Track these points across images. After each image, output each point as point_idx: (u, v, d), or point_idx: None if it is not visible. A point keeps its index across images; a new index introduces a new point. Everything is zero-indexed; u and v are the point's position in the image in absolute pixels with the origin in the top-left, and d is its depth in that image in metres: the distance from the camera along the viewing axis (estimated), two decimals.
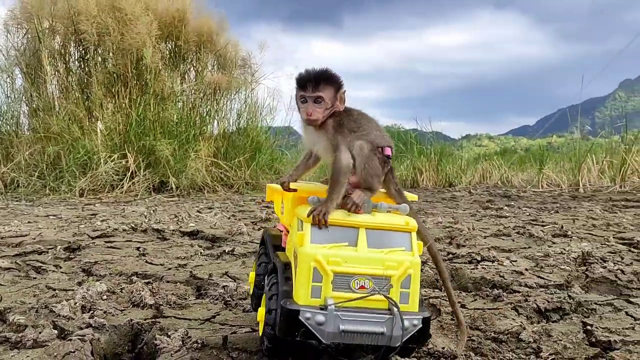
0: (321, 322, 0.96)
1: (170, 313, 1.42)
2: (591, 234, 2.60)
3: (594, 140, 8.14)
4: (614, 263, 1.85)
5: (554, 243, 2.33)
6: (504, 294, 1.50)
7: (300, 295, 0.98)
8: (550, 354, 1.11)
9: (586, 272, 1.73)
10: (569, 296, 1.47)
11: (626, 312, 1.33)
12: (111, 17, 6.21)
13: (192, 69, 7.00)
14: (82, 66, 6.66)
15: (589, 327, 1.20)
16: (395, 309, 0.97)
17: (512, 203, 4.65)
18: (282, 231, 1.29)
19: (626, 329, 1.21)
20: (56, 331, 1.24)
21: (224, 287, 1.64)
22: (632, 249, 2.18)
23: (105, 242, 2.57)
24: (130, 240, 2.62)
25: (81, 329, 1.23)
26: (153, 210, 3.88)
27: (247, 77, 7.10)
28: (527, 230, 2.65)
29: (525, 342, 1.18)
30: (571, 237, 2.47)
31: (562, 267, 1.85)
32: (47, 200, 4.95)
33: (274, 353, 1.06)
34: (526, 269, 1.81)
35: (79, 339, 1.12)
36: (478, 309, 1.39)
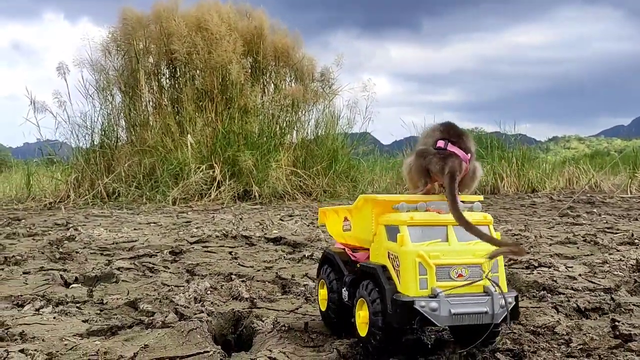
0: (435, 308, 1.11)
1: (262, 305, 1.78)
2: None
3: None
4: None
5: (617, 251, 2.47)
6: (549, 295, 1.73)
7: (409, 288, 1.14)
8: (578, 344, 1.34)
9: (637, 278, 1.91)
10: (612, 298, 1.67)
11: None
12: (199, 36, 6.84)
13: (271, 82, 7.53)
14: (173, 84, 7.37)
15: (616, 323, 1.42)
16: (498, 290, 1.15)
17: (594, 210, 4.67)
18: (343, 248, 1.48)
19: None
20: (177, 316, 1.63)
21: (304, 285, 2.00)
22: None
23: (202, 247, 3.01)
24: (223, 246, 3.05)
25: (196, 314, 1.62)
26: (240, 219, 4.34)
27: (324, 89, 7.52)
28: (595, 238, 2.79)
29: (559, 335, 1.41)
30: (638, 245, 2.60)
31: (616, 273, 2.03)
32: (145, 209, 5.58)
33: (381, 354, 1.22)
34: (580, 275, 2.01)
35: (198, 319, 1.51)
36: (522, 307, 1.64)
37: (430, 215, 1.23)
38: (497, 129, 9.43)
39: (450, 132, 1.33)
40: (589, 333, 1.39)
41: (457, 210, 1.21)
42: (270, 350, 1.32)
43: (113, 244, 3.13)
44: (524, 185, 7.68)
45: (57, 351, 1.38)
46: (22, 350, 1.37)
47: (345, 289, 1.38)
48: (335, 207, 1.57)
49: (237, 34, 6.96)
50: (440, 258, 1.16)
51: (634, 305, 1.61)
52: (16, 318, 1.65)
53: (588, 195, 6.25)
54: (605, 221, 3.69)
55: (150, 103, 7.26)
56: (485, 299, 1.15)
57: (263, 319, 1.58)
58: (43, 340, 1.46)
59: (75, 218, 4.69)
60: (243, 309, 1.72)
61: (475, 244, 1.19)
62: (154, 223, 4.25)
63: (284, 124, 7.39)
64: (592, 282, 1.92)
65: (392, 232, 1.23)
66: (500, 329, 1.26)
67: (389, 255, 1.22)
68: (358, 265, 1.37)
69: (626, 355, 1.24)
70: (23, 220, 4.51)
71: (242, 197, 6.39)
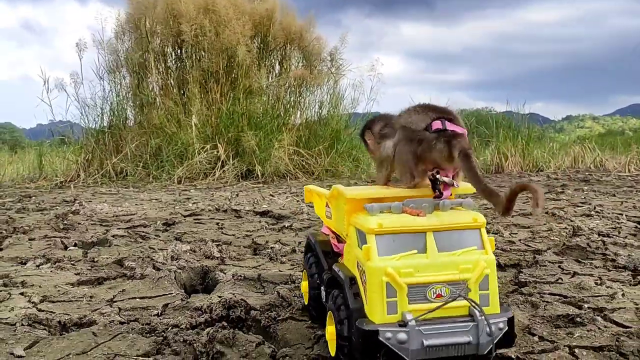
0: (403, 340, 0.94)
1: (230, 263, 2.10)
2: (619, 214, 2.94)
3: None
4: (602, 235, 2.26)
5: (571, 221, 2.73)
6: None
7: (375, 313, 0.97)
8: None
9: (567, 241, 2.17)
10: (534, 257, 1.95)
11: (560, 266, 1.80)
12: (207, 19, 7.13)
13: (277, 64, 7.80)
14: (180, 65, 7.68)
15: (519, 274, 1.70)
16: (480, 315, 0.96)
17: (585, 188, 4.88)
18: (328, 234, 1.36)
19: (546, 275, 1.69)
20: (155, 270, 1.96)
21: (271, 248, 2.30)
22: (638, 226, 2.54)
23: (194, 219, 3.34)
24: (213, 218, 3.37)
25: (169, 268, 1.95)
26: (236, 195, 4.67)
27: (330, 70, 7.77)
28: (560, 211, 3.04)
29: None
30: (592, 217, 2.84)
31: (553, 238, 2.29)
32: (150, 187, 5.94)
33: None
34: (520, 240, 2.28)
35: (167, 270, 1.83)
36: None
37: (406, 219, 1.03)
38: (508, 109, 9.61)
39: (440, 110, 1.16)
40: None
41: (485, 186, 1.07)
42: (223, 293, 1.63)
43: (113, 216, 3.48)
44: (529, 164, 7.85)
45: (51, 294, 1.72)
46: (22, 294, 1.71)
47: (323, 288, 1.26)
48: (319, 191, 1.43)
49: (246, 17, 7.22)
50: (415, 275, 0.98)
51: (549, 262, 1.88)
52: (18, 272, 2.00)
53: (587, 173, 6.43)
54: (583, 197, 3.92)
55: (158, 84, 7.59)
56: (468, 326, 0.96)
57: (226, 272, 1.90)
58: (40, 287, 1.80)
59: (82, 195, 5.07)
60: (212, 265, 2.04)
61: (461, 254, 1.01)
62: (156, 199, 4.60)
63: (288, 105, 7.67)
64: (527, 245, 2.19)
65: (362, 237, 1.05)
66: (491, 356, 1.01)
67: (358, 266, 1.06)
68: (333, 266, 1.21)
69: (517, 297, 1.52)
70: (34, 198, 4.89)
71: (245, 176, 6.71)
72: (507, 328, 0.98)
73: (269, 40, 7.47)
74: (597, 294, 1.50)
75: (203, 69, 7.32)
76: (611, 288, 1.55)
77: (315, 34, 7.74)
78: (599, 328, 1.25)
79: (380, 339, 0.94)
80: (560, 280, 1.64)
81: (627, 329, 1.24)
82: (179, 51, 7.70)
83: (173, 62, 7.78)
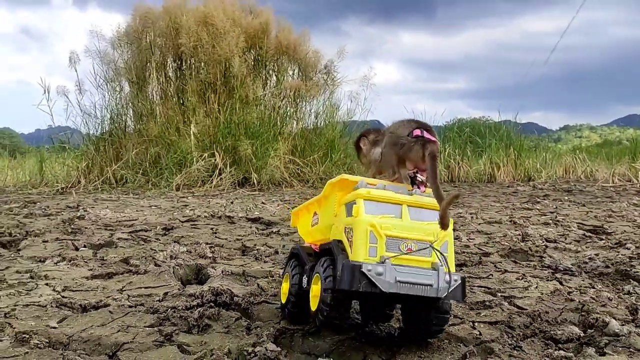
0: (380, 272, 1.23)
1: (220, 262, 2.52)
2: (578, 223, 3.34)
3: None
4: (548, 241, 2.67)
5: (525, 228, 3.14)
6: None
7: (359, 254, 1.26)
8: None
9: (513, 245, 2.59)
10: (479, 258, 2.36)
11: (495, 265, 2.21)
12: (205, 31, 7.58)
13: (273, 75, 8.26)
14: (179, 75, 8.13)
15: (459, 272, 2.11)
16: (441, 265, 1.27)
17: (565, 198, 5.29)
18: (309, 245, 1.65)
19: (481, 272, 2.10)
20: (156, 266, 2.37)
21: (258, 249, 2.72)
22: (586, 233, 2.95)
23: (191, 224, 3.76)
24: (209, 224, 3.79)
25: (169, 265, 2.36)
26: (231, 202, 5.09)
27: (326, 82, 8.22)
28: (524, 220, 3.45)
29: None
30: (549, 225, 3.25)
31: (504, 243, 2.70)
32: (149, 194, 6.36)
33: (325, 325, 1.38)
34: (475, 244, 2.69)
35: (167, 266, 2.25)
36: None
37: (388, 192, 1.36)
38: (502, 118, 10.02)
39: (421, 124, 1.51)
40: None
41: (437, 185, 1.38)
42: (212, 284, 2.05)
43: (116, 222, 3.90)
44: (520, 174, 8.25)
45: (71, 285, 2.14)
46: (46, 284, 2.13)
47: (305, 276, 1.53)
48: (306, 203, 1.74)
49: (241, 30, 7.68)
50: (392, 230, 1.29)
51: (491, 262, 2.30)
52: (40, 268, 2.42)
53: (573, 184, 6.83)
54: (555, 207, 4.33)
55: (157, 94, 8.04)
56: (431, 273, 1.27)
57: (216, 268, 2.32)
58: (60, 279, 2.22)
59: (85, 202, 5.49)
60: (205, 263, 2.45)
61: (428, 224, 1.32)
62: (155, 206, 5.02)
63: (284, 115, 8.11)
64: (479, 249, 2.60)
65: (351, 208, 1.36)
66: (449, 315, 1.39)
67: (345, 230, 1.36)
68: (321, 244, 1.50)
69: None
70: (38, 203, 5.32)
71: (241, 183, 7.13)
72: (460, 282, 1.31)
73: (263, 52, 7.92)
74: (514, 287, 1.91)
75: (201, 79, 7.77)
76: (529, 282, 1.96)
77: (310, 47, 8.21)
78: (502, 310, 1.66)
79: (363, 270, 1.23)
80: (490, 277, 2.05)
81: (523, 310, 1.65)
82: (179, 62, 8.16)
83: (173, 72, 8.24)
